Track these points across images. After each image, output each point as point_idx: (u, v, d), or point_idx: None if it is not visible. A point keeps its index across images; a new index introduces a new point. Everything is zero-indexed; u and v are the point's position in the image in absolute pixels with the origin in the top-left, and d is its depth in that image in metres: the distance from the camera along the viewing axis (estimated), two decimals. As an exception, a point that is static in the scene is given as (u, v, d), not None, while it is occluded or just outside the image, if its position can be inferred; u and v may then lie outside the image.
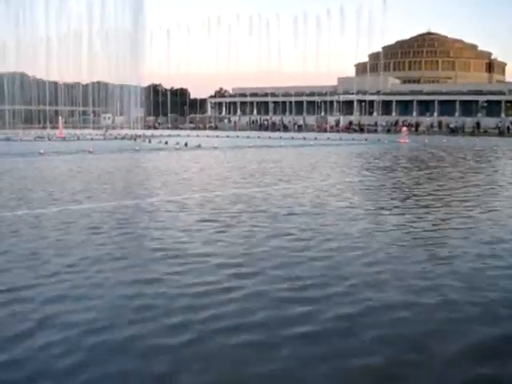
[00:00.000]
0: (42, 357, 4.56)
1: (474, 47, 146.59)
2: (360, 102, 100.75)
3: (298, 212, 11.58)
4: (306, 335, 5.03)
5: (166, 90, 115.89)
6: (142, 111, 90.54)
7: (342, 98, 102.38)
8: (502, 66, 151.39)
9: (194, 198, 13.61)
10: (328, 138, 52.76)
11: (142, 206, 12.48)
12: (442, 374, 4.43)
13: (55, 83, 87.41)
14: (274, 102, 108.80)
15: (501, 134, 73.56)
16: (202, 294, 6.12)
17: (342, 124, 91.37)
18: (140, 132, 62.38)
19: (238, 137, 56.79)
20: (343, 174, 20.95)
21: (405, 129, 58.48)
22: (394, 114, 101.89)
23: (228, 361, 4.58)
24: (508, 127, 77.53)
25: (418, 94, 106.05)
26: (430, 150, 38.68)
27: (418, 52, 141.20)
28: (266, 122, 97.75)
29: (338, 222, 10.51)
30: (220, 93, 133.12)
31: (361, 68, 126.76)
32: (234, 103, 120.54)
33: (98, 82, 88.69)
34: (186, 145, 38.96)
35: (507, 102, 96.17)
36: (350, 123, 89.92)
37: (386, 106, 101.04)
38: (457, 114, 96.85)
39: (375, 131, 79.19)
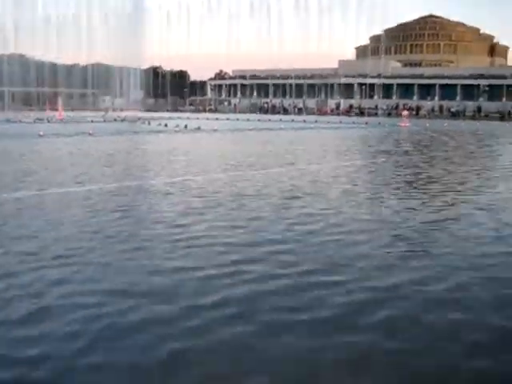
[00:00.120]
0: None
1: (476, 30, 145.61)
2: (361, 85, 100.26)
3: (299, 195, 11.52)
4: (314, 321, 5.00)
5: (165, 72, 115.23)
6: (141, 93, 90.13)
7: (343, 80, 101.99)
8: (505, 49, 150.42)
9: (194, 180, 13.56)
10: (328, 122, 52.61)
11: (143, 188, 12.43)
12: None
13: (54, 64, 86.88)
14: (274, 85, 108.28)
15: (502, 118, 73.40)
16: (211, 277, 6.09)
17: (342, 107, 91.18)
18: (139, 114, 62.14)
19: (237, 119, 56.63)
20: (343, 158, 20.88)
21: (406, 112, 58.34)
22: (394, 97, 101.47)
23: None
24: (509, 112, 77.30)
25: (419, 77, 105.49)
26: (430, 133, 38.57)
27: (419, 35, 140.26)
28: (266, 105, 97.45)
29: (341, 207, 10.46)
30: (220, 75, 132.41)
31: (362, 51, 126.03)
32: (234, 86, 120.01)
33: (98, 64, 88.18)
34: (185, 127, 38.83)
35: (509, 86, 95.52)
36: (351, 106, 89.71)
37: (387, 90, 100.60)
38: (458, 97, 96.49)
39: (376, 114, 78.93)
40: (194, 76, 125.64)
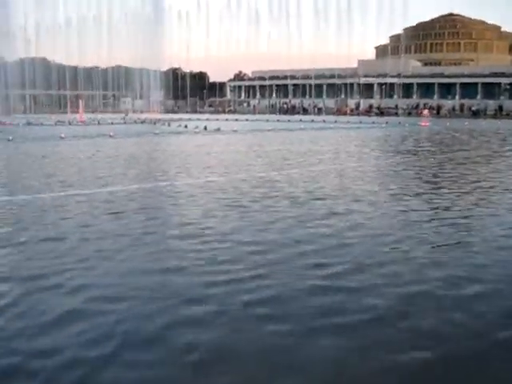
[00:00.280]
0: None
1: (496, 28, 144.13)
2: (380, 84, 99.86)
3: (321, 196, 11.46)
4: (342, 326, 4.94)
5: (185, 73, 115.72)
6: (161, 95, 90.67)
7: (363, 80, 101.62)
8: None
9: (217, 182, 13.55)
10: (348, 122, 52.40)
11: (166, 189, 12.45)
12: None
13: (75, 68, 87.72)
14: (294, 85, 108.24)
15: (524, 116, 72.68)
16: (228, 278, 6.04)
17: (362, 107, 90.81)
18: (159, 116, 62.47)
19: (257, 120, 56.63)
20: (366, 158, 20.74)
21: (426, 112, 57.98)
22: (414, 96, 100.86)
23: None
24: (531, 110, 76.49)
25: (440, 76, 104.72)
26: (452, 133, 38.22)
27: (439, 34, 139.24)
28: (285, 106, 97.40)
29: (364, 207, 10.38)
30: (239, 76, 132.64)
31: (381, 50, 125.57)
32: (254, 86, 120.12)
33: (118, 66, 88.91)
34: (205, 128, 38.91)
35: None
36: (371, 106, 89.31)
37: (407, 89, 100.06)
38: (479, 96, 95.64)
39: (396, 114, 78.50)
40: (214, 77, 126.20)
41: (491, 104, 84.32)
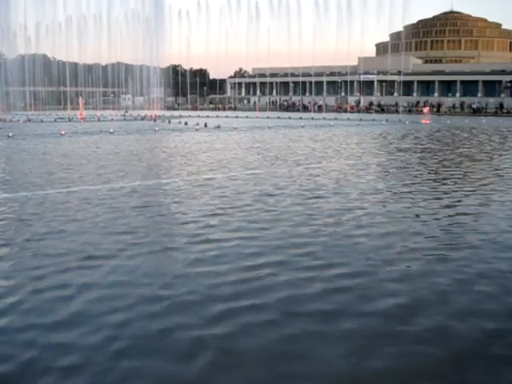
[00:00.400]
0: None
1: (497, 26, 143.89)
2: (381, 82, 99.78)
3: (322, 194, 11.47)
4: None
5: (185, 70, 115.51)
6: (161, 92, 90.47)
7: (363, 78, 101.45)
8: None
9: (215, 179, 13.55)
10: (348, 119, 52.38)
11: (166, 186, 12.45)
12: None
13: (75, 64, 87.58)
14: (294, 83, 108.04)
15: (525, 114, 72.52)
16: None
17: (362, 104, 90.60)
18: (160, 113, 62.43)
19: (257, 117, 56.60)
20: (366, 155, 20.73)
21: (426, 109, 57.92)
22: (415, 94, 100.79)
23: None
24: (532, 108, 76.34)
25: (440, 74, 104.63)
26: (453, 130, 38.20)
27: (440, 31, 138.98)
28: (285, 103, 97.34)
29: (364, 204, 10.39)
30: (239, 73, 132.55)
31: (382, 48, 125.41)
32: (254, 83, 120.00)
33: (118, 63, 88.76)
34: (205, 125, 38.94)
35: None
36: (371, 104, 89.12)
37: (407, 87, 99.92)
38: (479, 94, 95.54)
39: (396, 112, 78.37)
40: (214, 74, 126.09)
41: (492, 102, 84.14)
